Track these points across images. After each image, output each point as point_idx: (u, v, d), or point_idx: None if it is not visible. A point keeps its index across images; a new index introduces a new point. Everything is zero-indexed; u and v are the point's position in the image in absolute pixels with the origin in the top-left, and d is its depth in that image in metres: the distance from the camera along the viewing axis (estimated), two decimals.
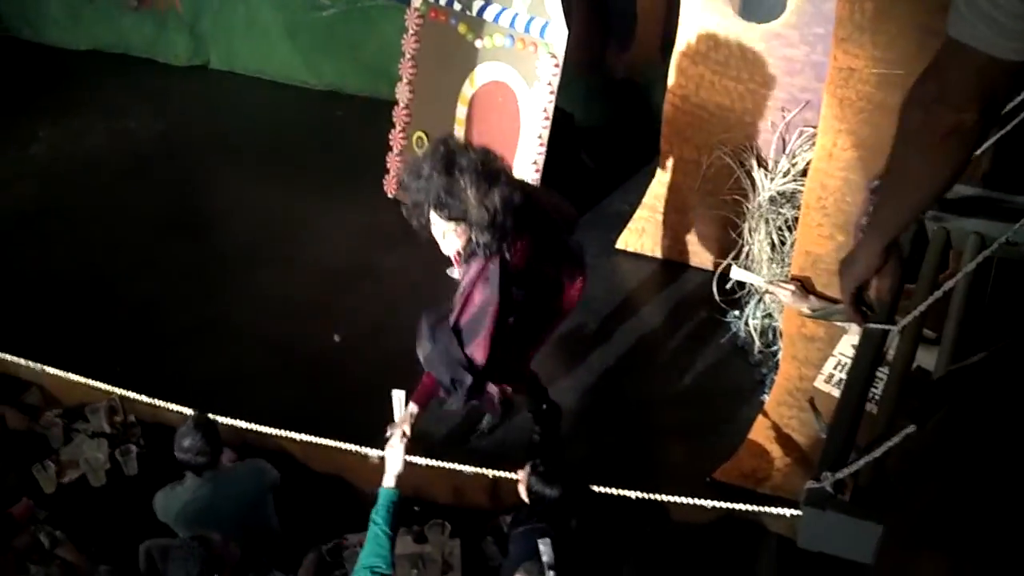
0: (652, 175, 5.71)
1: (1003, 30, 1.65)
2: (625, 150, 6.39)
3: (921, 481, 1.61)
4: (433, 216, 3.73)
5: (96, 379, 4.79)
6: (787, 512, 4.22)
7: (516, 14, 5.63)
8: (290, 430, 4.52)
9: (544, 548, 3.60)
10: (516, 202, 3.67)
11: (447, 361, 3.85)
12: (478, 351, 3.83)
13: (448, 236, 3.78)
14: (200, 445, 3.95)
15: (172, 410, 4.67)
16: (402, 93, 6.28)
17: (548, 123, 5.59)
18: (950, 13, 1.71)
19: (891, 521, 1.60)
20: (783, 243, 5.08)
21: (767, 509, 4.25)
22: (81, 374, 4.79)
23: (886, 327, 1.99)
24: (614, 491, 4.32)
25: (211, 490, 4.01)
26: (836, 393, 4.06)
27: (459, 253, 3.88)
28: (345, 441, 4.53)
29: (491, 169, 3.67)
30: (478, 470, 4.46)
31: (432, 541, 4.23)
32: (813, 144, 4.97)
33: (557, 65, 5.49)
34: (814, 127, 5.02)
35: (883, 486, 1.77)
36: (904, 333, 2.00)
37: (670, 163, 5.56)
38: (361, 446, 4.49)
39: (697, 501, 4.26)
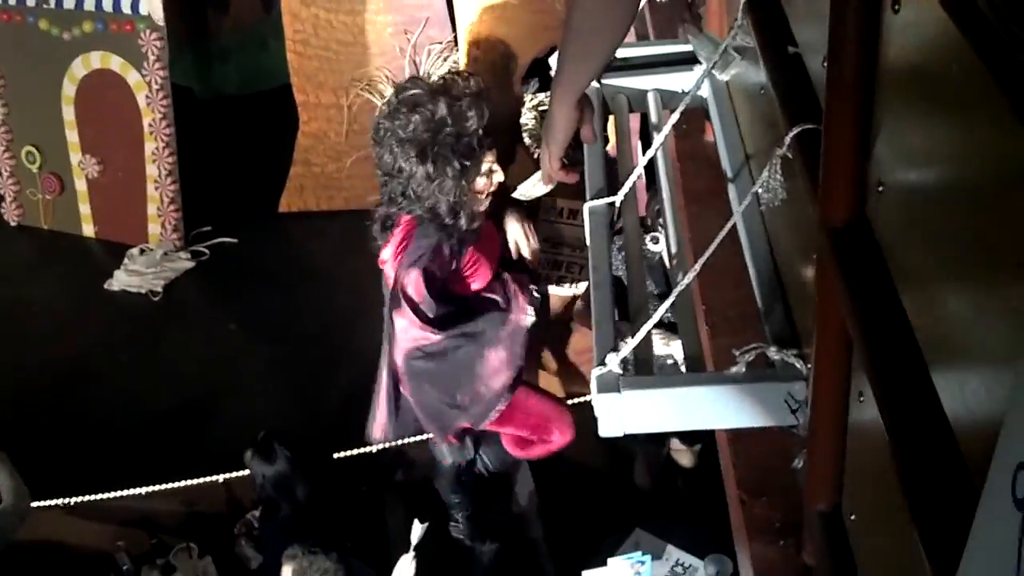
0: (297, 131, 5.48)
1: None
2: (262, 113, 6.06)
3: None
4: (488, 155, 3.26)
5: None
6: None
7: None
8: None
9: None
10: None
11: None
12: None
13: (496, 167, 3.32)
14: None
15: None
16: None
17: (168, 101, 5.23)
18: None
19: None
20: None
21: None
22: None
23: (609, 200, 1.99)
24: (354, 452, 4.21)
25: None
26: None
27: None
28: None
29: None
30: (208, 479, 4.22)
31: (182, 568, 4.00)
32: (445, 58, 4.99)
33: (161, 38, 5.12)
34: (440, 42, 5.03)
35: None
36: (625, 203, 2.00)
37: (310, 113, 5.36)
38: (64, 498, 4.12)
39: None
